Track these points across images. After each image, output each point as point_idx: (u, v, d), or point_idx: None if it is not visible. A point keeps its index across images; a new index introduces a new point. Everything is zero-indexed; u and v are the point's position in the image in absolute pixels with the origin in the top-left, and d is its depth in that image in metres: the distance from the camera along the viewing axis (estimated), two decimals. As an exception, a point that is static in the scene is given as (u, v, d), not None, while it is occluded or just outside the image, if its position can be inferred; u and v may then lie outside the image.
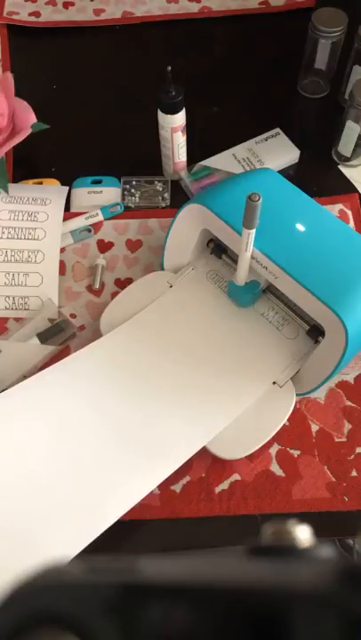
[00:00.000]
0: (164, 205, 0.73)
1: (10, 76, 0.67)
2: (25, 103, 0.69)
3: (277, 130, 0.78)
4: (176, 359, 0.59)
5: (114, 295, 0.66)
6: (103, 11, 0.94)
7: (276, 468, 0.56)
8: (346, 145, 0.74)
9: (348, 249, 0.55)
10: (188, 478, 0.56)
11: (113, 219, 0.73)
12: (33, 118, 0.68)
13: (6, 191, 0.69)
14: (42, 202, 0.71)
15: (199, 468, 0.56)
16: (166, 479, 0.52)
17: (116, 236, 0.72)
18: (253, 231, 0.51)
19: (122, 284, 0.68)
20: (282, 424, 0.55)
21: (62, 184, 0.75)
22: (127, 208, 0.73)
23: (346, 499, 0.54)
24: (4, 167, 0.70)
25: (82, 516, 0.50)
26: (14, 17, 0.93)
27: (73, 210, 0.73)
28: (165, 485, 0.54)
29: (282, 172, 0.74)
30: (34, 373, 0.57)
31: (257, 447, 0.54)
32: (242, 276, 0.58)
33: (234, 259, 0.64)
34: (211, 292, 0.63)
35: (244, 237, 0.52)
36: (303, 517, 0.53)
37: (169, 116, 0.66)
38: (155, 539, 0.54)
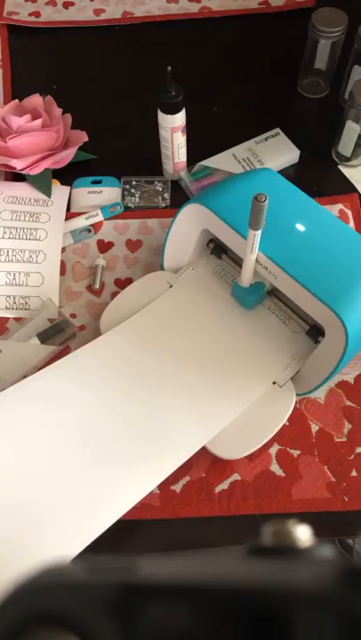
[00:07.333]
0: (164, 205, 0.73)
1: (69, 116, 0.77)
2: (79, 132, 0.78)
3: (277, 130, 0.78)
4: (176, 359, 0.59)
5: (114, 295, 0.66)
6: (103, 11, 0.94)
7: (276, 468, 0.56)
8: (346, 145, 0.74)
9: (348, 249, 0.55)
10: (188, 478, 0.56)
11: (113, 219, 0.73)
12: (84, 138, 0.77)
13: (49, 196, 0.72)
14: (44, 203, 0.71)
15: (199, 468, 0.56)
16: (166, 479, 0.52)
17: (116, 236, 0.72)
18: (259, 232, 0.51)
19: (122, 283, 0.68)
20: (282, 424, 0.55)
21: (62, 184, 0.75)
22: (127, 208, 0.73)
23: (346, 499, 0.54)
24: (49, 177, 0.74)
25: (82, 515, 0.50)
26: (14, 17, 0.93)
27: (73, 210, 0.73)
28: (165, 485, 0.54)
29: (282, 172, 0.74)
30: (34, 373, 0.57)
31: (257, 447, 0.54)
32: (247, 278, 0.58)
33: (234, 259, 0.64)
34: (211, 292, 0.63)
35: (249, 239, 0.52)
36: (303, 517, 0.53)
37: (169, 116, 0.66)
38: (155, 539, 0.53)
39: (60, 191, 0.73)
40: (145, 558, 0.18)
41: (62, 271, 0.69)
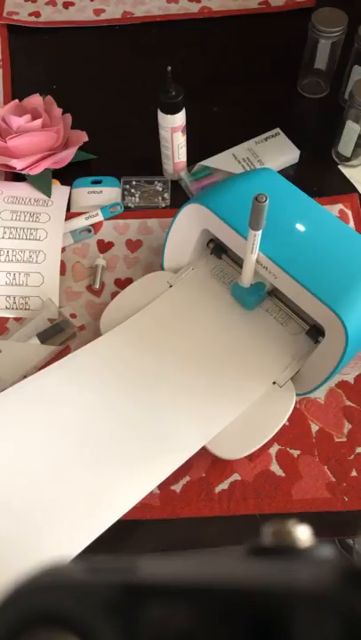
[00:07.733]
0: (164, 205, 0.73)
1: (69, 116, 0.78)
2: (79, 132, 0.78)
3: (277, 130, 0.78)
4: (176, 359, 0.59)
5: (114, 295, 0.66)
6: (103, 11, 0.94)
7: (276, 468, 0.56)
8: (346, 145, 0.74)
9: (348, 249, 0.55)
10: (188, 478, 0.56)
11: (113, 219, 0.73)
12: (84, 138, 0.77)
13: (49, 196, 0.72)
14: (44, 203, 0.71)
15: (199, 468, 0.56)
16: (166, 479, 0.52)
17: (116, 236, 0.72)
18: (260, 233, 0.51)
19: (122, 283, 0.68)
20: (282, 424, 0.55)
21: (62, 184, 0.75)
22: (127, 208, 0.73)
23: (346, 499, 0.54)
24: (49, 177, 0.74)
25: (82, 515, 0.50)
26: (14, 17, 0.93)
27: (73, 210, 0.73)
28: (165, 485, 0.54)
29: (282, 172, 0.74)
30: (34, 373, 0.57)
31: (257, 447, 0.54)
32: (247, 278, 0.58)
33: (234, 259, 0.64)
34: (211, 292, 0.63)
35: (249, 239, 0.52)
36: (303, 517, 0.53)
37: (169, 116, 0.66)
38: (155, 539, 0.53)
39: (60, 191, 0.73)
40: (145, 558, 0.18)
41: (62, 271, 0.69)
